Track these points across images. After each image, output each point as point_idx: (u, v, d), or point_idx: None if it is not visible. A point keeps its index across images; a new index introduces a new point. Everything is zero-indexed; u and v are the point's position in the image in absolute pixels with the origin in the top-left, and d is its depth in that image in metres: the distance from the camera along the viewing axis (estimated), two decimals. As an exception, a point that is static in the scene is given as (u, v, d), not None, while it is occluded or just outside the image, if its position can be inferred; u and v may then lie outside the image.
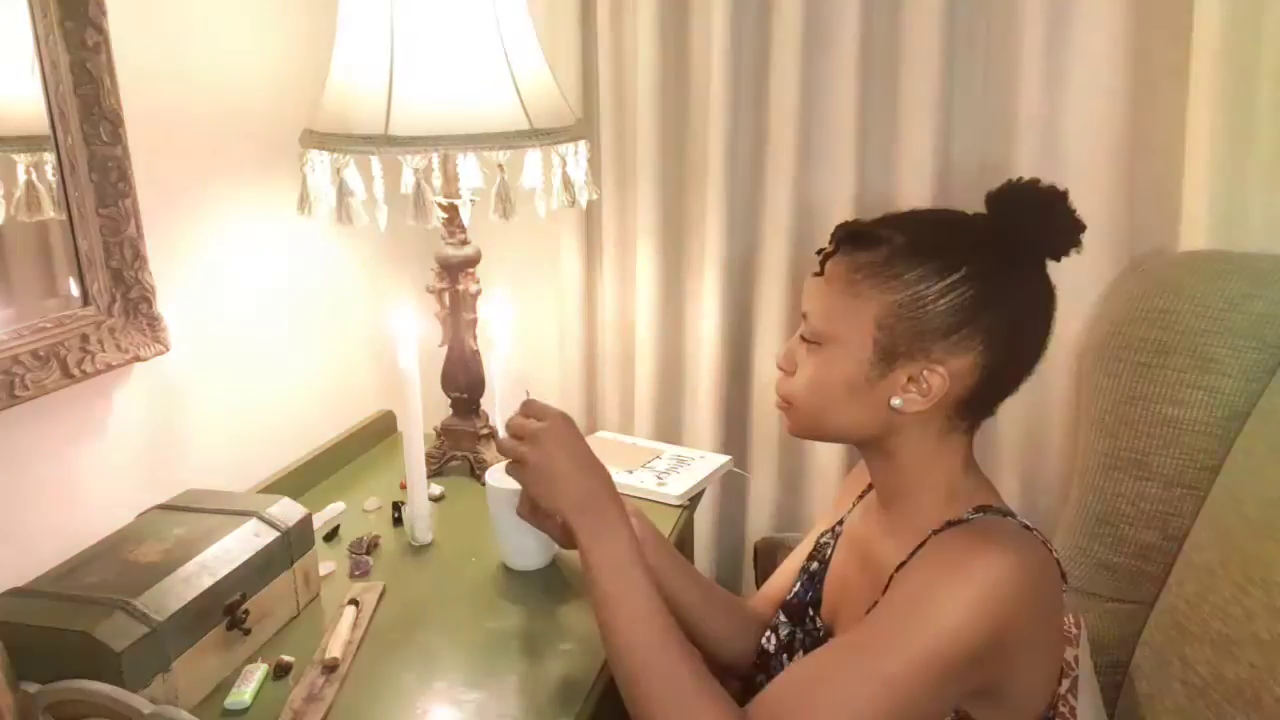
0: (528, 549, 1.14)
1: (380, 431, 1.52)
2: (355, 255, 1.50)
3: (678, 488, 1.29)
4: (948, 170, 1.37)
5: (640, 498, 1.30)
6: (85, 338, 1.01)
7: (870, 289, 0.80)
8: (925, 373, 0.80)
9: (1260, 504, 0.98)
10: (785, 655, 0.94)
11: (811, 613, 0.95)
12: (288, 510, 1.05)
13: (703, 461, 1.38)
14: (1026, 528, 0.80)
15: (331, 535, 1.22)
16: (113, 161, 1.02)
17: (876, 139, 1.42)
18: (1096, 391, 1.21)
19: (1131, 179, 1.29)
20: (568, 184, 1.23)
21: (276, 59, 1.30)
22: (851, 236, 0.84)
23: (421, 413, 1.15)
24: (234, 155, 1.24)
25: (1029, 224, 0.80)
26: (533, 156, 1.20)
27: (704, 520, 1.58)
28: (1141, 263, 1.26)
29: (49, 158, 0.98)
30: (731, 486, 1.60)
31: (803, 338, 0.86)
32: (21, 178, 0.97)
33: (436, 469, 1.38)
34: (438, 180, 1.23)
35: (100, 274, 1.03)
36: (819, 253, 0.86)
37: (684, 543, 1.30)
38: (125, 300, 1.06)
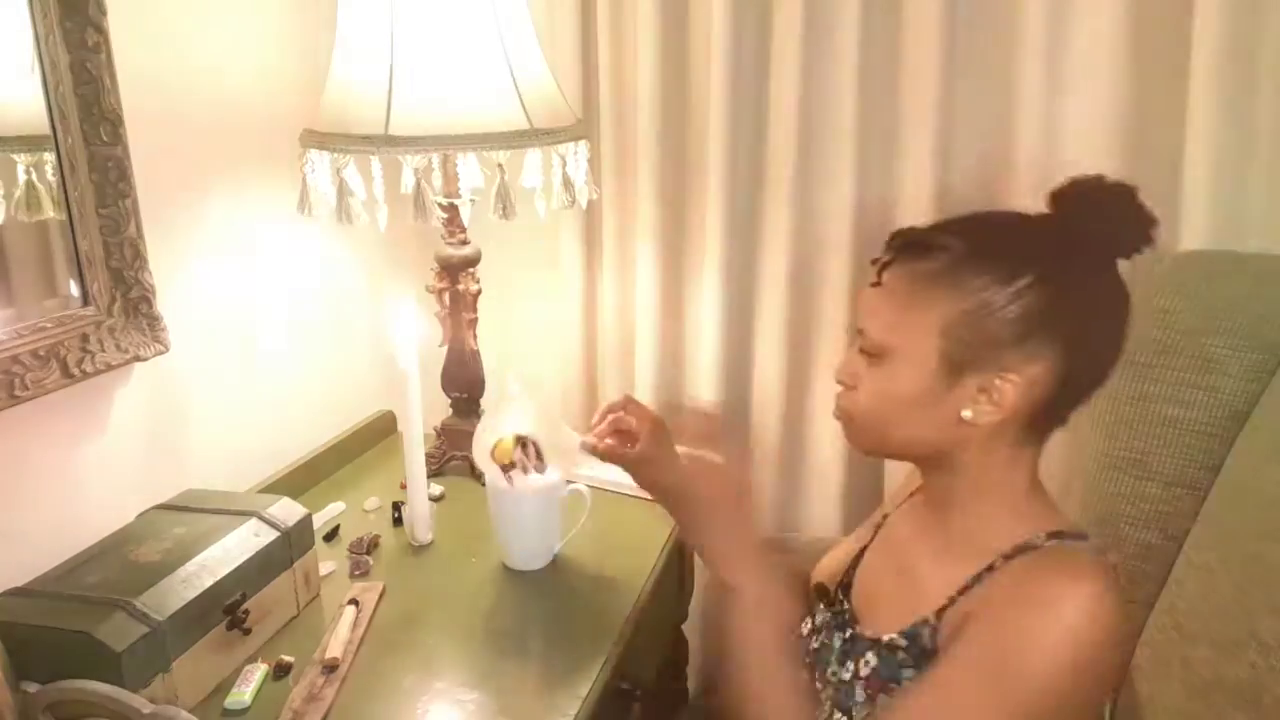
0: (528, 549, 1.14)
1: (380, 431, 1.52)
2: (355, 255, 1.50)
3: (678, 488, 1.28)
4: (948, 170, 1.37)
5: (641, 497, 1.30)
6: (85, 337, 1.01)
7: (933, 298, 0.77)
8: (998, 382, 0.77)
9: (1260, 504, 0.98)
10: (813, 636, 0.93)
11: (842, 596, 0.94)
12: (288, 510, 1.05)
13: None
14: (1100, 552, 0.78)
15: (331, 535, 1.22)
16: (113, 161, 1.02)
17: (876, 139, 1.41)
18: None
19: (1132, 179, 1.28)
20: (568, 184, 1.23)
21: (277, 58, 1.30)
22: (909, 245, 0.80)
23: (421, 413, 1.15)
24: (234, 155, 1.24)
25: (1096, 222, 0.77)
26: (533, 156, 1.20)
27: (704, 520, 1.58)
28: (1142, 263, 1.26)
29: (49, 158, 0.98)
30: (731, 486, 1.60)
31: (862, 350, 0.83)
32: (21, 178, 0.97)
33: (436, 469, 1.38)
34: (438, 180, 1.23)
35: (100, 274, 1.03)
36: (874, 262, 0.83)
37: (684, 542, 1.30)
38: (125, 300, 1.06)
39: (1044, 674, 0.71)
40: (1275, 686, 0.85)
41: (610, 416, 1.04)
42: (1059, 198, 0.79)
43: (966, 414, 0.78)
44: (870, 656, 0.84)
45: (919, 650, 0.80)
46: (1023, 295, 0.75)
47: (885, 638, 0.83)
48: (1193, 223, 1.23)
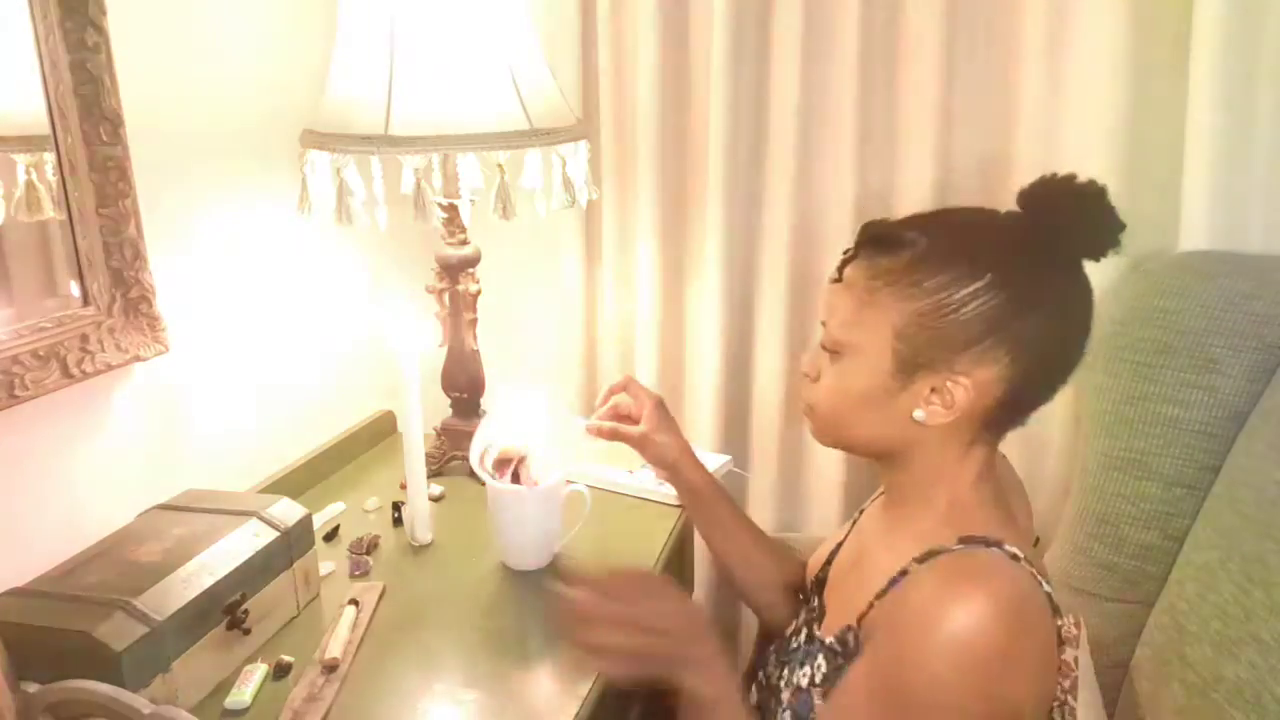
0: (528, 549, 1.14)
1: (380, 431, 1.51)
2: (355, 255, 1.50)
3: (678, 488, 1.28)
4: (948, 170, 1.37)
5: (640, 497, 1.30)
6: (85, 338, 1.01)
7: (889, 297, 0.77)
8: (949, 384, 0.76)
9: (1260, 504, 0.98)
10: (795, 637, 0.93)
11: (815, 594, 0.95)
12: (288, 510, 1.05)
13: (703, 461, 1.37)
14: (1015, 558, 0.75)
15: (331, 535, 1.22)
16: (113, 161, 1.02)
17: (876, 139, 1.42)
18: (1097, 391, 1.21)
19: (1131, 179, 1.29)
20: (568, 184, 1.23)
21: (277, 58, 1.30)
22: (872, 240, 0.80)
23: (421, 413, 1.15)
24: (234, 155, 1.24)
25: (1064, 223, 0.75)
26: (533, 156, 1.20)
27: (704, 520, 1.58)
28: (1141, 263, 1.26)
29: (49, 158, 0.98)
30: (731, 486, 1.59)
31: (823, 346, 0.83)
32: (21, 178, 0.97)
33: (436, 469, 1.38)
34: (438, 180, 1.23)
35: (100, 274, 1.03)
36: (845, 252, 0.83)
37: (684, 543, 1.30)
38: (125, 300, 1.06)
39: (927, 690, 0.71)
40: (1275, 686, 0.86)
41: (612, 399, 1.08)
42: (1027, 197, 0.78)
43: (918, 414, 0.78)
44: (821, 661, 0.84)
45: (850, 656, 0.81)
46: (978, 297, 0.74)
47: (827, 640, 0.84)
48: (1193, 223, 1.23)
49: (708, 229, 1.49)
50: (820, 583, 0.96)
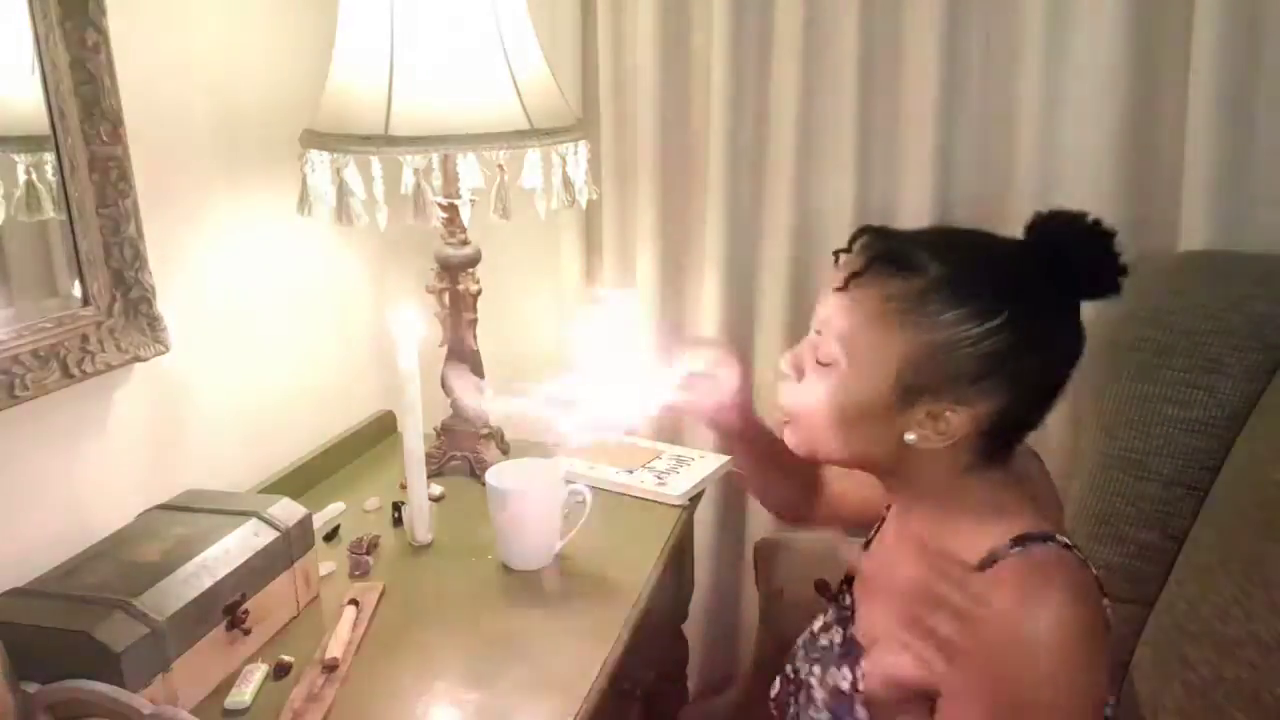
0: (528, 549, 1.14)
1: (380, 431, 1.52)
2: (355, 255, 1.50)
3: (678, 488, 1.29)
4: (948, 170, 1.37)
5: (641, 497, 1.30)
6: (85, 338, 1.01)
7: (902, 324, 0.75)
8: (948, 412, 0.76)
9: (1260, 504, 0.98)
10: (824, 634, 0.93)
11: (846, 590, 0.94)
12: (288, 510, 1.05)
13: (703, 461, 1.38)
14: (1068, 547, 0.76)
15: (331, 535, 1.22)
16: (113, 161, 1.02)
17: (876, 139, 1.42)
18: (1097, 391, 1.21)
19: (1132, 179, 1.29)
20: (568, 184, 1.23)
21: (277, 58, 1.30)
22: (882, 257, 0.77)
23: (421, 413, 1.15)
24: (234, 155, 1.24)
25: (1076, 263, 0.76)
26: (533, 156, 1.20)
27: (704, 520, 1.58)
28: (1141, 263, 1.26)
29: (49, 158, 0.98)
30: (731, 486, 1.60)
31: (817, 356, 0.80)
32: (21, 178, 0.97)
33: (436, 469, 1.37)
34: (438, 180, 1.23)
35: (100, 274, 1.03)
36: (837, 254, 0.81)
37: (684, 542, 1.30)
38: (125, 300, 1.06)
39: (1033, 697, 0.71)
40: (1275, 686, 0.86)
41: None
42: (1039, 230, 0.78)
43: (910, 437, 0.77)
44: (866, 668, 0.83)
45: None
46: (993, 335, 0.74)
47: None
48: (1193, 223, 1.23)
49: (708, 229, 1.49)
50: (849, 580, 0.95)
